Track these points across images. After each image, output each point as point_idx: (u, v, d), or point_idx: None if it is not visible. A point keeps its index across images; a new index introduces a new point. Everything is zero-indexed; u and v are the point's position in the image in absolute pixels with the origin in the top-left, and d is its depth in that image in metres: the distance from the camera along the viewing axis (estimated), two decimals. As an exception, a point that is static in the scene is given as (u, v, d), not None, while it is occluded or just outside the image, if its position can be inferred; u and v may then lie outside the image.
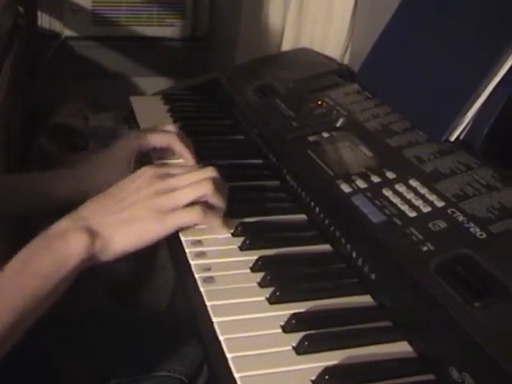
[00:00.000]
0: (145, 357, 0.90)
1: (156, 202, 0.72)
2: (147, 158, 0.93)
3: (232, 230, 0.77)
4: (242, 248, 0.74)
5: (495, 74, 0.78)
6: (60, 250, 0.67)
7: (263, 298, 0.66)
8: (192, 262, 0.71)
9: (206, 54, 2.07)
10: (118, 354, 0.90)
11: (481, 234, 0.64)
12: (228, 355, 0.58)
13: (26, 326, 0.66)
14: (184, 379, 0.88)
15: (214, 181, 0.74)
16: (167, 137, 0.91)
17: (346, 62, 1.31)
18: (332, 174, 0.80)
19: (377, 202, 0.73)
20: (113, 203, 0.73)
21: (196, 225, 0.75)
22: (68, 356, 0.89)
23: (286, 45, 1.49)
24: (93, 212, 0.71)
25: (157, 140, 0.91)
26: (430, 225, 0.67)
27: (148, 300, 1.45)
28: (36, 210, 0.94)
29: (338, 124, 0.92)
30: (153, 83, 1.90)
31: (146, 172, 0.75)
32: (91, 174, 0.92)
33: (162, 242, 0.74)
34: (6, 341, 0.64)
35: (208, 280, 0.68)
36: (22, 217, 1.24)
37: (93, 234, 0.69)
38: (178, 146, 0.90)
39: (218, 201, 0.74)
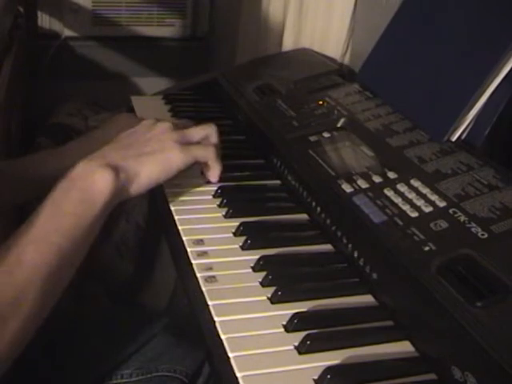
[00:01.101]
0: (145, 357, 0.90)
1: (173, 135, 0.77)
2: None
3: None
4: (243, 247, 0.74)
5: (497, 74, 0.79)
6: (87, 188, 0.67)
7: (265, 298, 0.66)
8: (194, 262, 0.71)
9: (206, 54, 2.07)
10: (118, 354, 0.90)
11: (482, 234, 0.64)
12: (230, 354, 0.58)
13: (72, 271, 0.66)
14: (184, 379, 0.88)
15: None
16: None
17: (346, 61, 1.31)
18: (333, 173, 0.80)
19: (378, 201, 0.73)
20: (129, 142, 0.75)
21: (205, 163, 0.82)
22: (68, 356, 0.89)
23: (286, 45, 1.49)
24: (112, 150, 0.73)
25: None
26: (432, 225, 0.67)
27: (148, 300, 1.45)
28: (26, 196, 0.93)
29: (339, 124, 0.92)
30: (153, 83, 1.90)
31: (148, 121, 0.80)
32: (78, 152, 0.91)
33: (163, 242, 0.75)
34: (55, 285, 0.64)
35: (210, 279, 0.68)
36: (20, 210, 1.23)
37: (116, 169, 0.69)
38: None
39: (217, 142, 0.83)
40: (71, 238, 0.65)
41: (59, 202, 0.66)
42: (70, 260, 0.65)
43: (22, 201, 0.94)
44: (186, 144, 0.77)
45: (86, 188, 0.67)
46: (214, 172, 0.83)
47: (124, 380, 0.87)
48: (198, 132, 0.82)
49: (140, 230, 1.48)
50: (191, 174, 0.84)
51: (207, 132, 0.83)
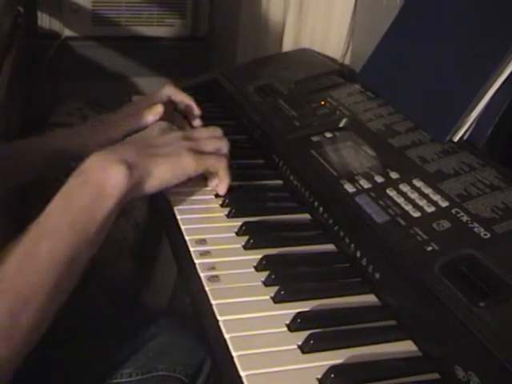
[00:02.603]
0: (145, 357, 0.90)
1: (187, 144, 0.77)
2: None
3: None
4: (246, 247, 0.74)
5: (499, 75, 0.79)
6: (100, 182, 0.67)
7: (268, 297, 0.66)
8: (197, 261, 0.71)
9: (206, 54, 2.07)
10: (118, 354, 0.90)
11: (485, 234, 0.64)
12: (234, 354, 0.58)
13: (82, 267, 0.65)
14: (184, 379, 0.88)
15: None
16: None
17: (346, 62, 1.31)
18: (335, 174, 0.81)
19: (381, 201, 0.73)
20: (143, 142, 0.75)
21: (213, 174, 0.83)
22: (68, 355, 0.89)
23: (286, 45, 1.49)
24: (127, 148, 0.73)
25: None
26: (434, 225, 0.67)
27: (148, 300, 1.45)
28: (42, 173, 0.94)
29: (341, 124, 0.92)
30: (153, 83, 1.90)
31: (162, 124, 0.81)
32: (94, 133, 0.93)
33: (163, 242, 0.75)
34: (66, 280, 0.63)
35: (213, 279, 0.68)
36: (20, 202, 1.23)
37: (131, 165, 0.69)
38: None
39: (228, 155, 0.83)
40: (84, 232, 0.64)
41: (72, 196, 0.66)
42: (82, 255, 0.65)
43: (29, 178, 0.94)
44: (199, 153, 0.78)
45: (99, 182, 0.67)
46: (223, 185, 0.83)
47: (124, 380, 0.87)
48: (211, 143, 0.82)
49: (140, 229, 1.48)
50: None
51: (220, 145, 0.83)
